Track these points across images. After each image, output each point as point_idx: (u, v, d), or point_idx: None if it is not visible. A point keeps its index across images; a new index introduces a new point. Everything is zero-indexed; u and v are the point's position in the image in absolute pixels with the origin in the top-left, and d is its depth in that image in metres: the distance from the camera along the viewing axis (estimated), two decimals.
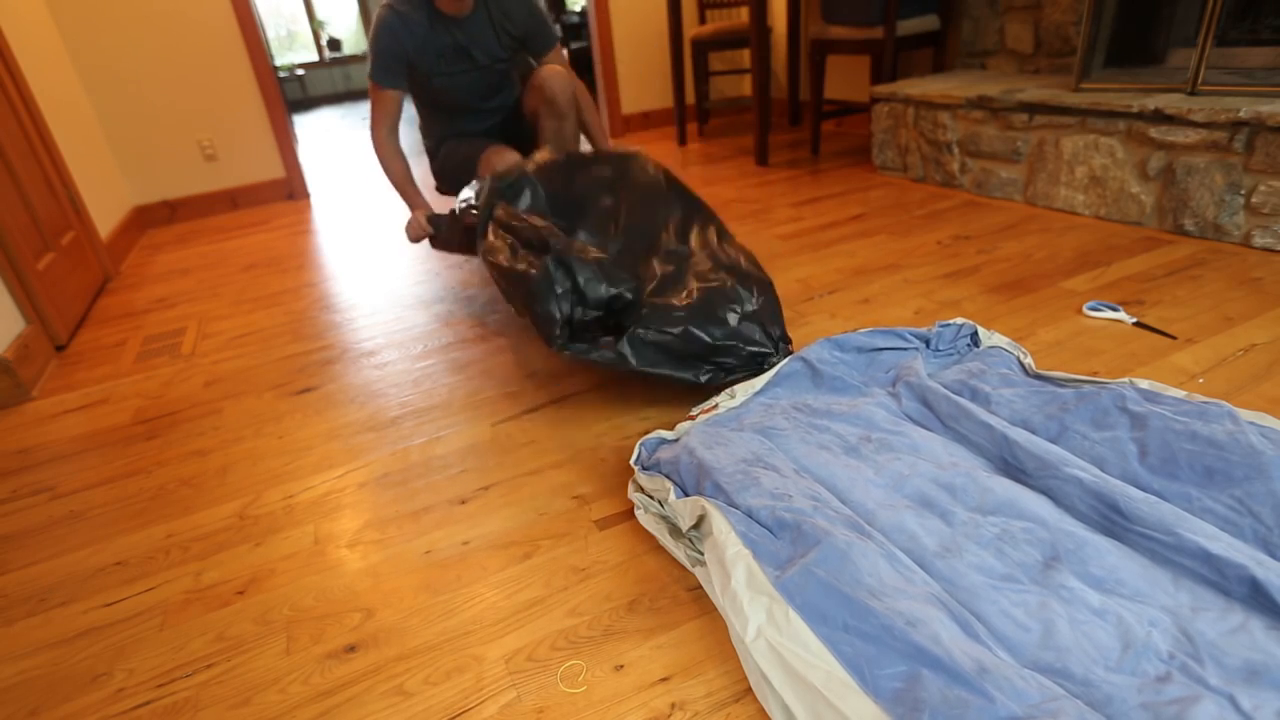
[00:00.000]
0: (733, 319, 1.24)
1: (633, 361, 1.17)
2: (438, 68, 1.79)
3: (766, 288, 1.32)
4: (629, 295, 1.17)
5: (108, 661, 0.89)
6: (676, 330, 1.19)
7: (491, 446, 1.24)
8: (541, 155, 1.51)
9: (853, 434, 1.05)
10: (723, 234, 1.48)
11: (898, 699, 0.65)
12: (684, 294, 1.26)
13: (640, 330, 1.19)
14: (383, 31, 1.70)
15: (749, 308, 1.27)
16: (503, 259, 1.27)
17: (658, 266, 1.31)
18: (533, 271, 1.20)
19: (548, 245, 1.23)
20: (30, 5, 2.58)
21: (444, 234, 1.74)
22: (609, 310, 1.18)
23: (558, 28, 5.57)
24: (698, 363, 1.21)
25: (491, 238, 1.33)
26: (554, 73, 1.82)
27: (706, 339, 1.20)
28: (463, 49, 1.78)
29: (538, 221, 1.30)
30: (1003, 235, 1.91)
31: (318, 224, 2.92)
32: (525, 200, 1.40)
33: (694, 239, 1.43)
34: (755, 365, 1.24)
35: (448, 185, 2.00)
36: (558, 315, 1.17)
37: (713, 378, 1.21)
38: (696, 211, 1.51)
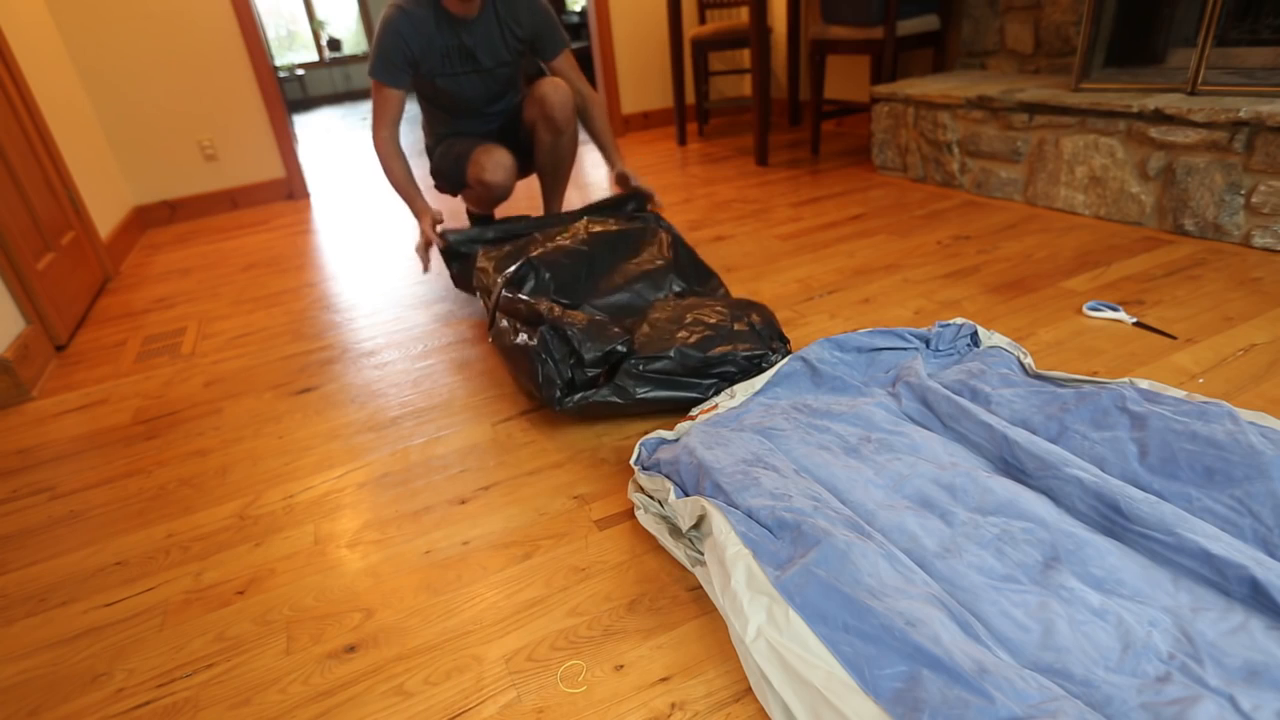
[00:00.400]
0: (725, 331, 1.26)
1: (633, 392, 1.19)
2: (442, 68, 1.77)
3: (759, 305, 1.36)
4: (622, 349, 1.23)
5: (108, 661, 0.89)
6: (670, 353, 1.21)
7: (491, 446, 1.24)
8: (556, 242, 1.57)
9: (853, 434, 1.05)
10: (726, 295, 1.53)
11: (898, 699, 0.65)
12: (676, 328, 1.29)
13: (633, 362, 1.21)
14: (388, 29, 1.68)
15: (742, 318, 1.30)
16: (506, 340, 1.34)
17: (647, 326, 1.35)
18: (532, 343, 1.26)
19: (541, 318, 1.30)
20: (30, 5, 2.58)
21: (468, 275, 1.73)
22: (607, 365, 1.24)
23: None
24: (697, 379, 1.23)
25: (500, 324, 1.41)
26: (556, 86, 1.80)
27: (700, 353, 1.22)
28: (468, 51, 1.76)
29: (533, 300, 1.37)
30: (1003, 235, 1.91)
31: (318, 224, 2.92)
32: (529, 284, 1.47)
33: (690, 300, 1.47)
34: (754, 369, 1.24)
35: (445, 183, 1.99)
36: (558, 380, 1.22)
37: (717, 390, 1.23)
38: (708, 278, 1.57)
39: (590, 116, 1.93)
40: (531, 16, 1.79)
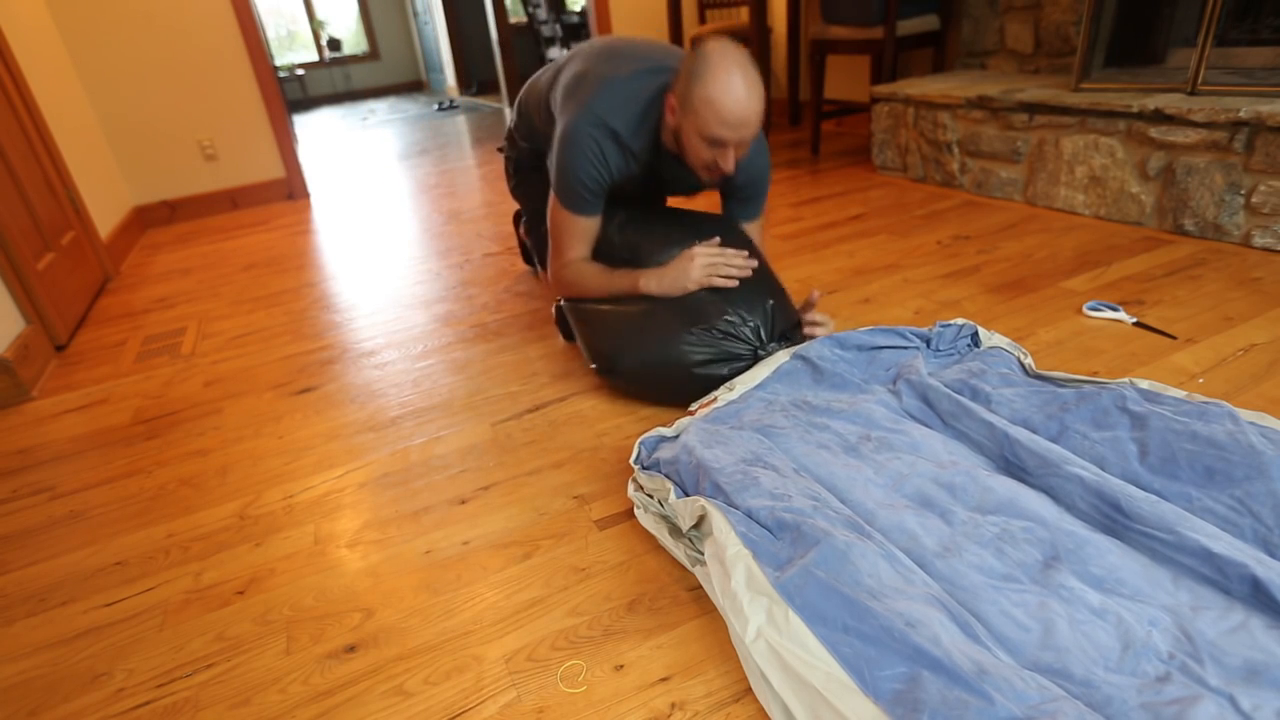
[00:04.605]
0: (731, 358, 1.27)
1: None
2: (623, 188, 1.42)
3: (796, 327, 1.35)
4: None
5: (108, 661, 0.89)
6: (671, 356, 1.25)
7: (491, 446, 1.24)
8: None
9: (852, 432, 1.05)
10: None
11: (897, 700, 0.65)
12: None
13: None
14: (592, 159, 1.33)
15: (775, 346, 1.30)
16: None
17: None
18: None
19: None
20: (30, 6, 2.58)
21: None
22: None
23: (557, 28, 5.52)
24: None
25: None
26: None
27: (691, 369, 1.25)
28: (660, 180, 1.44)
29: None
30: (1003, 235, 1.91)
31: (318, 224, 2.92)
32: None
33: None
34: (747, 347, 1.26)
35: (531, 240, 1.71)
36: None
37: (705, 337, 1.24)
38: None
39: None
40: (748, 174, 1.40)
